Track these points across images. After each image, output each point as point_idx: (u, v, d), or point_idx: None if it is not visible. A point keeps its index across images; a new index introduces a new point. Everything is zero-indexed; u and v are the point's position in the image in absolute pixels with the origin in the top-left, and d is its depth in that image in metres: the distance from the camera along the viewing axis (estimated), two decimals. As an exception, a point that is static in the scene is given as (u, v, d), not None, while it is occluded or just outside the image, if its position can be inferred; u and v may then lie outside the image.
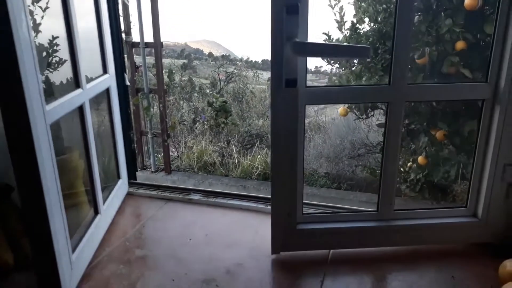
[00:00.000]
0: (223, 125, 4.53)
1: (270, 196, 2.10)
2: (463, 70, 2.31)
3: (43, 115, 1.32)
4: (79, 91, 1.63)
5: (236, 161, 4.09)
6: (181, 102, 5.77)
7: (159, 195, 2.32)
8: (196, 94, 6.40)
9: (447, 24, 2.30)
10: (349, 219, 1.75)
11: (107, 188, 2.07)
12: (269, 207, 2.12)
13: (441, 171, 2.52)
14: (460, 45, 2.30)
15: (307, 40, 1.50)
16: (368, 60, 2.68)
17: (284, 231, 1.69)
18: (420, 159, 2.73)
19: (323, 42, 2.77)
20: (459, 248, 1.80)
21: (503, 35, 1.52)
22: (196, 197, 2.28)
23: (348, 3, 2.83)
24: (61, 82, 1.65)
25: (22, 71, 1.20)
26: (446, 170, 2.52)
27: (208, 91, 6.57)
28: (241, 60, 7.41)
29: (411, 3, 1.48)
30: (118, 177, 2.21)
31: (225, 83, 6.64)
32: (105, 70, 2.01)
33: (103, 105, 2.07)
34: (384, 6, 2.65)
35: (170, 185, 2.50)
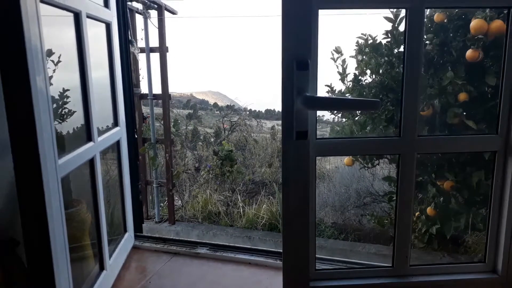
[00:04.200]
0: (228, 174, 4.52)
1: (278, 250, 2.06)
2: (467, 121, 2.33)
3: (55, 169, 1.31)
4: (90, 144, 1.64)
5: (241, 210, 4.03)
6: (185, 151, 5.80)
7: (165, 248, 2.26)
8: (200, 143, 6.46)
9: (449, 76, 2.37)
10: (364, 275, 1.68)
11: (113, 241, 2.02)
12: (278, 261, 2.05)
13: (452, 226, 2.47)
14: (462, 96, 2.34)
15: (316, 93, 1.53)
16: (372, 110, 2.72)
17: (297, 289, 1.62)
18: (429, 210, 2.69)
19: (331, 95, 2.83)
20: (479, 306, 1.71)
21: (510, 87, 1.54)
22: (203, 250, 2.21)
23: (350, 56, 2.92)
24: (69, 132, 1.64)
25: (37, 125, 1.20)
26: (456, 225, 2.46)
27: (212, 140, 6.63)
28: (245, 109, 7.55)
29: (420, 56, 1.51)
30: (125, 230, 2.16)
31: (229, 132, 6.73)
32: (116, 123, 2.04)
33: (112, 154, 2.07)
34: (386, 58, 2.73)
35: (176, 238, 2.45)
